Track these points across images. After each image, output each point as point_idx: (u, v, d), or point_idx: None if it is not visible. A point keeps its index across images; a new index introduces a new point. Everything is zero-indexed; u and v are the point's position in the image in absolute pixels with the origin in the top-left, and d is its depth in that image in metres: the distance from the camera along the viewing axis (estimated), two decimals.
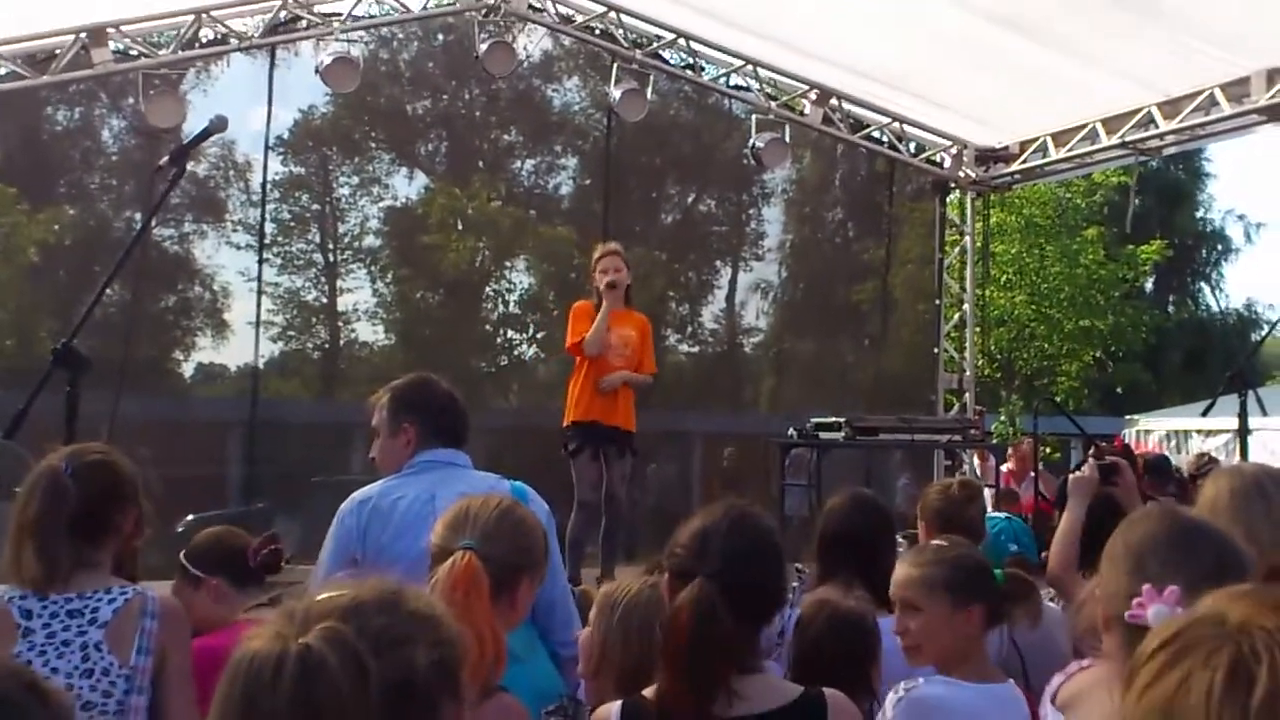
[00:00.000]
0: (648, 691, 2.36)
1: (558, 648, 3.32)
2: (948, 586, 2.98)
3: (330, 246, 28.95)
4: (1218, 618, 1.07)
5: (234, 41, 9.51)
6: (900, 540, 5.19)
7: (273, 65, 11.29)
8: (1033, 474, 9.99)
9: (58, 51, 8.88)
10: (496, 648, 2.24)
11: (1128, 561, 2.10)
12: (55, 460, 2.86)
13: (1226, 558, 2.09)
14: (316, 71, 9.44)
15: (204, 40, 9.47)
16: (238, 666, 1.30)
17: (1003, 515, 6.17)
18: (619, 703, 2.37)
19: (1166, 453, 13.52)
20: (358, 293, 28.88)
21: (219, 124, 4.22)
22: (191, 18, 9.20)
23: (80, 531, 2.83)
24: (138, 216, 21.02)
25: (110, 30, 8.95)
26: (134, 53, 9.20)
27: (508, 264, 28.17)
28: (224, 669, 1.34)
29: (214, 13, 9.26)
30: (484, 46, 9.73)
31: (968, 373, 12.09)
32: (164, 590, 3.08)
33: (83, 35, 8.82)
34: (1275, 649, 1.01)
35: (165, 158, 4.16)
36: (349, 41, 9.69)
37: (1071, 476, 3.94)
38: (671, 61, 10.80)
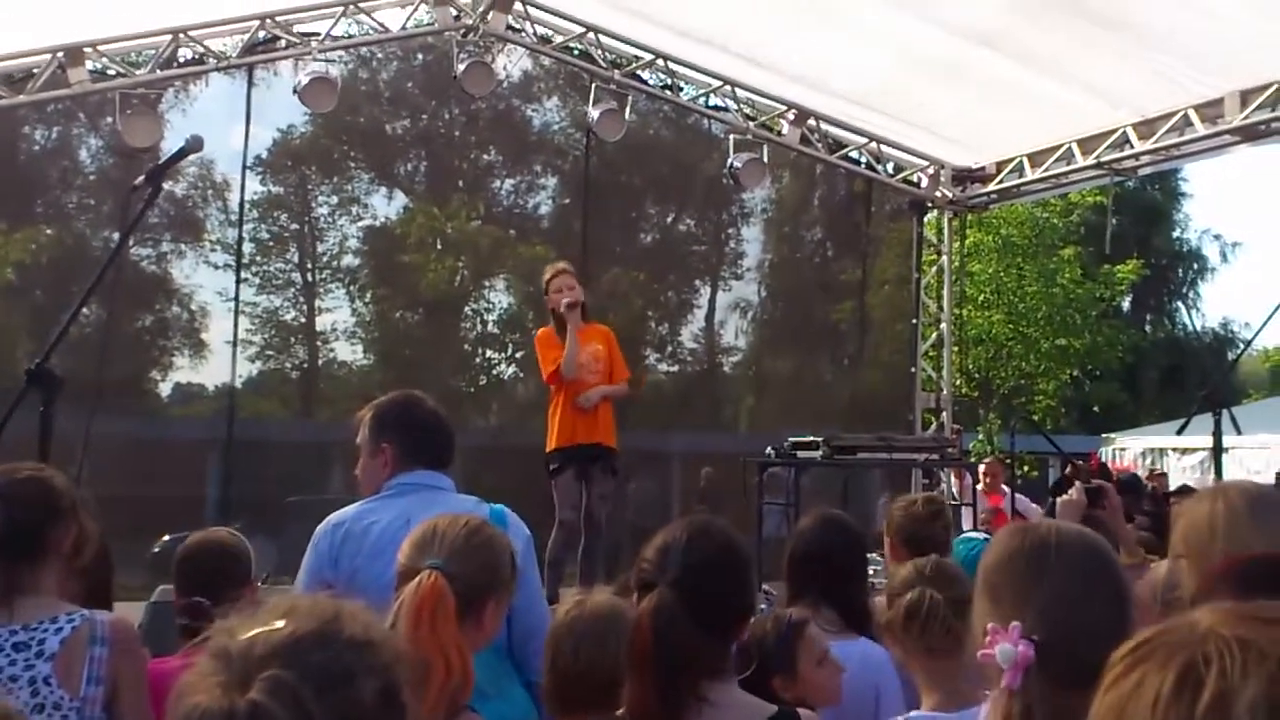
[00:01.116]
0: (620, 712, 2.36)
1: (534, 676, 3.13)
2: None
3: (309, 266, 28.93)
4: (1187, 625, 1.07)
5: (211, 61, 9.49)
6: (878, 559, 5.19)
7: (250, 85, 11.30)
8: (1006, 489, 10.02)
9: (35, 71, 8.85)
10: (464, 668, 2.23)
11: (984, 593, 1.99)
12: None
13: (1088, 575, 1.97)
14: (295, 91, 9.43)
15: (181, 60, 9.46)
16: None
17: (981, 535, 6.16)
18: None
19: (1139, 471, 13.58)
20: (336, 312, 28.91)
21: (195, 144, 4.21)
22: (169, 37, 9.17)
23: (14, 551, 2.73)
24: (116, 236, 20.92)
25: (87, 50, 8.92)
26: (111, 72, 9.18)
27: (487, 283, 28.19)
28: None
29: (191, 33, 9.23)
30: (462, 66, 9.75)
31: (945, 392, 12.12)
32: (114, 614, 2.98)
33: (60, 55, 8.79)
34: (1227, 654, 1.00)
35: (141, 177, 4.13)
36: (327, 61, 9.68)
37: (1060, 500, 3.93)
38: (650, 82, 10.83)
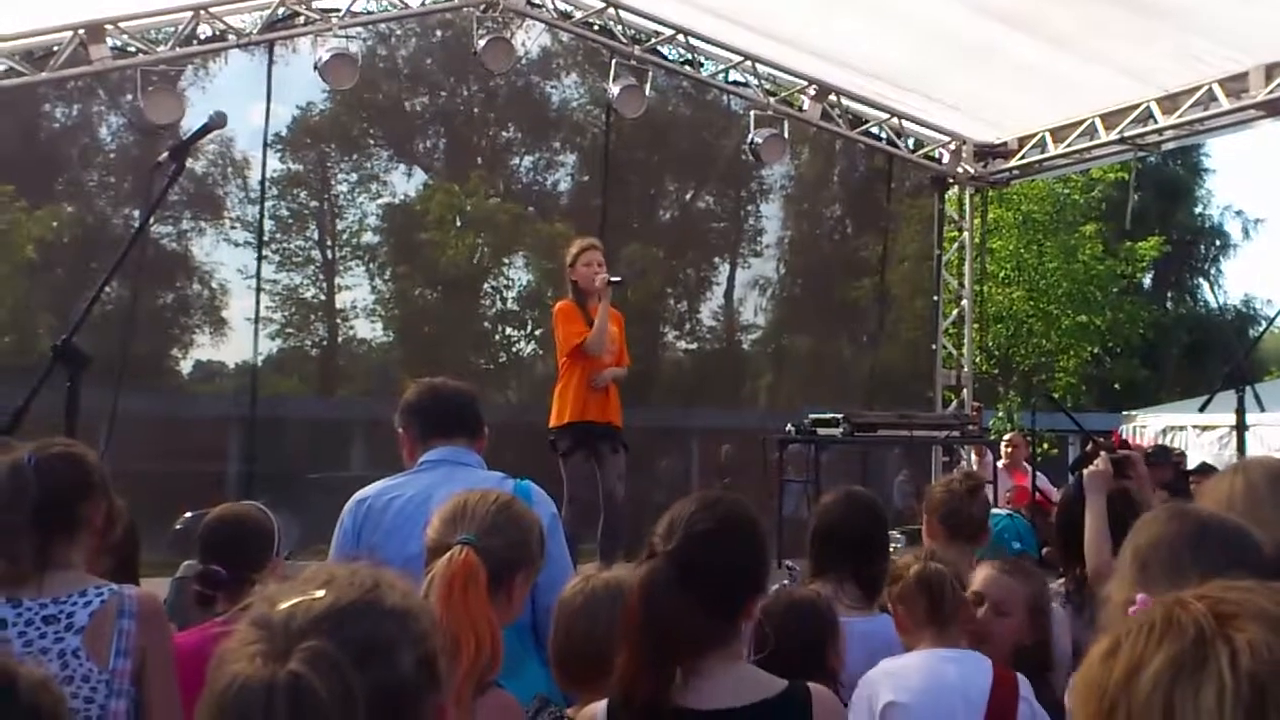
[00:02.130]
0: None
1: None
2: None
3: (328, 243, 28.97)
4: (1174, 602, 1.12)
5: (232, 38, 9.49)
6: (898, 536, 5.19)
7: (271, 62, 11.25)
8: (1027, 465, 9.98)
9: (55, 48, 8.87)
10: (494, 643, 2.23)
11: (1133, 568, 2.05)
12: (16, 454, 2.77)
13: (1238, 554, 2.01)
14: (315, 68, 9.42)
15: (202, 37, 9.46)
16: (224, 695, 1.27)
17: (1005, 513, 6.15)
18: (604, 701, 2.36)
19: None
20: (356, 290, 28.94)
21: (218, 120, 4.21)
22: (189, 14, 9.18)
23: (47, 525, 2.74)
24: (136, 213, 20.98)
25: (108, 27, 8.93)
26: (132, 49, 9.18)
27: (506, 260, 28.17)
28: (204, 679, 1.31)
29: (212, 9, 9.23)
30: (482, 42, 9.73)
31: (966, 369, 12.09)
32: (142, 588, 3.00)
33: (80, 32, 8.80)
34: (1147, 629, 1.09)
35: (164, 154, 4.13)
36: (347, 38, 9.67)
37: (1087, 472, 3.92)
38: (670, 57, 10.78)
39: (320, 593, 1.33)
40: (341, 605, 1.32)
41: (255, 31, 9.51)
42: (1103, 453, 3.93)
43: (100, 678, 2.68)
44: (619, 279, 7.25)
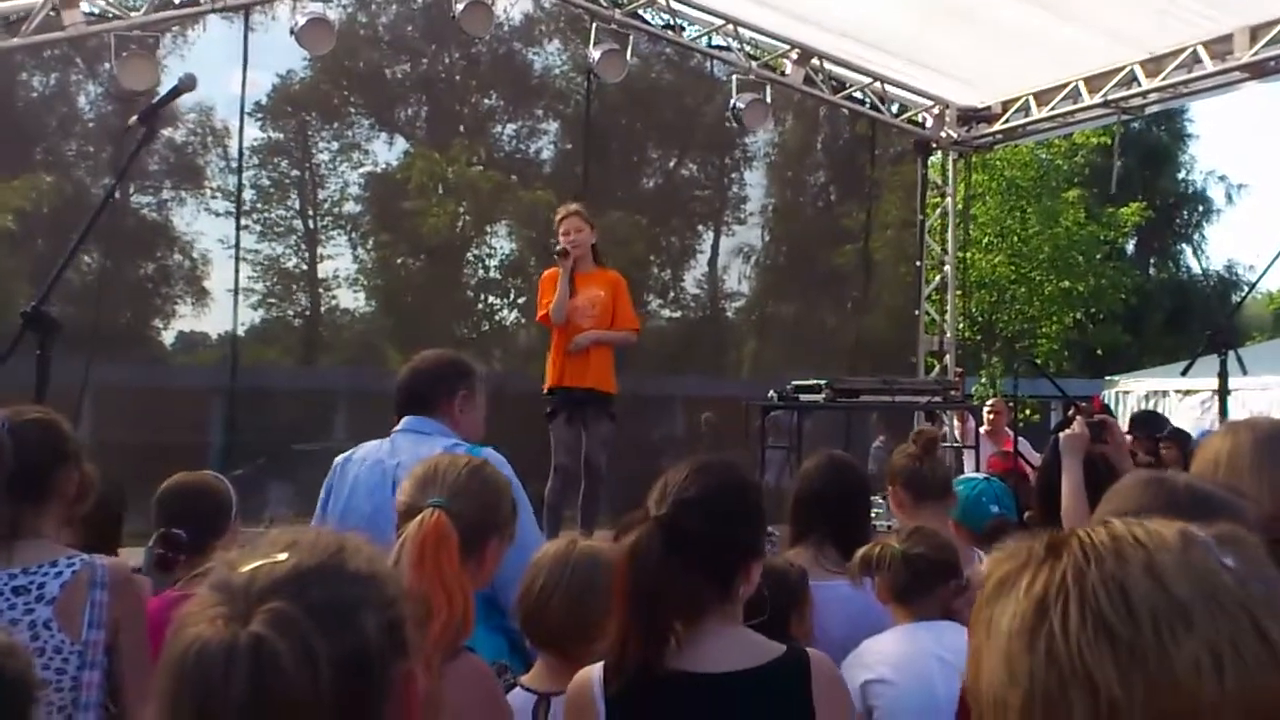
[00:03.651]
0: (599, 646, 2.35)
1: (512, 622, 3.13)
2: None
3: (310, 213, 28.81)
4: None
5: (207, 3, 9.38)
6: (880, 502, 5.16)
7: (247, 28, 11.14)
8: (1009, 431, 9.98)
9: (28, 14, 8.75)
10: (465, 607, 2.21)
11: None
12: None
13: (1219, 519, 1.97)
14: (291, 33, 9.33)
15: (177, 2, 9.35)
16: (183, 658, 1.24)
17: (982, 476, 6.12)
18: (599, 665, 2.35)
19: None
20: (338, 259, 28.79)
21: (188, 82, 4.16)
22: None
23: (19, 493, 2.70)
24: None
25: None
26: (108, 15, 9.08)
27: (489, 229, 28.05)
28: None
29: None
30: (460, 6, 9.63)
31: (948, 335, 12.10)
32: (114, 558, 2.96)
33: None
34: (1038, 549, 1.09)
35: (134, 118, 4.09)
36: (324, 3, 9.58)
37: (1063, 435, 3.90)
38: (651, 22, 10.70)
39: (283, 556, 1.31)
40: (304, 568, 1.29)
41: None
42: (1079, 416, 3.90)
43: (72, 649, 2.65)
44: (561, 247, 7.23)
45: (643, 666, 2.24)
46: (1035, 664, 1.02)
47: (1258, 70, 8.57)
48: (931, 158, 12.31)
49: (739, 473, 2.49)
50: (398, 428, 3.73)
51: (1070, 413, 4.17)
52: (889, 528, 4.73)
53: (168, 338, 28.20)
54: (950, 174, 12.22)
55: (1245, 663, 0.99)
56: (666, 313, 29.74)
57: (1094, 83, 9.82)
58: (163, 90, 4.98)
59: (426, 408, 3.73)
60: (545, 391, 7.24)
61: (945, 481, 4.13)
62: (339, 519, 3.53)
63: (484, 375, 3.92)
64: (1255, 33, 8.36)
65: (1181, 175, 37.97)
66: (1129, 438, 9.04)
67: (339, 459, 3.79)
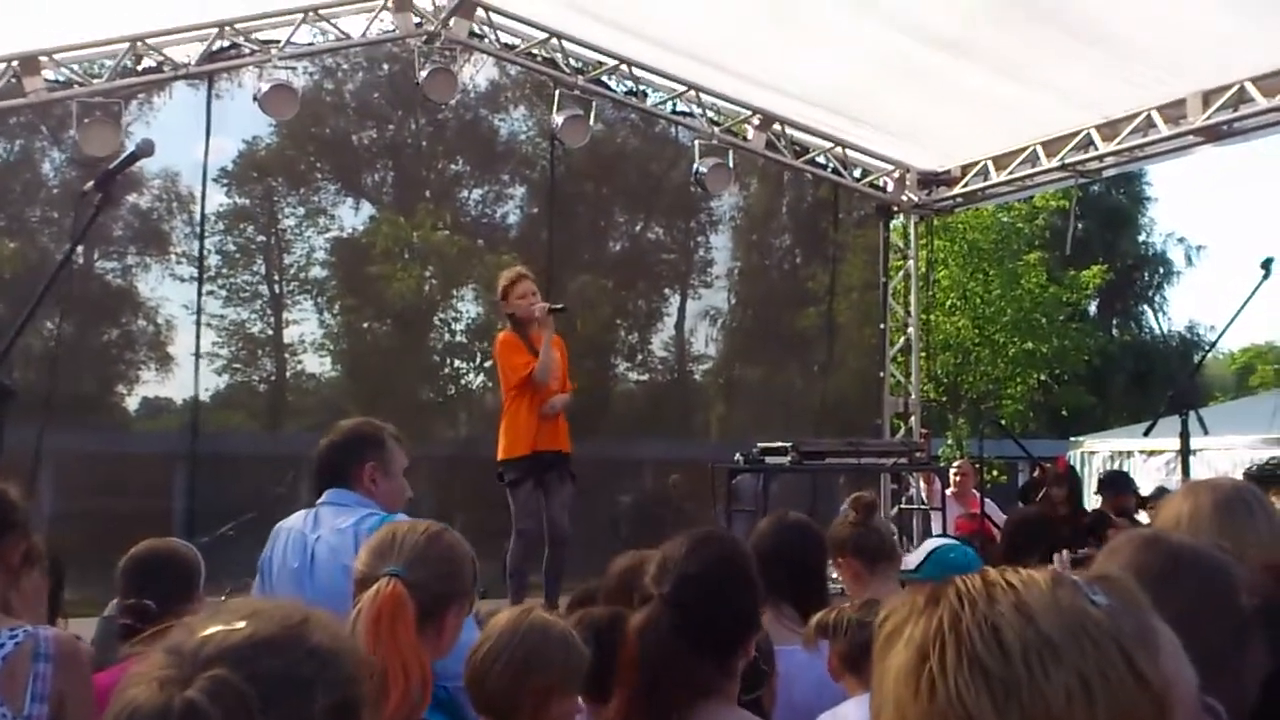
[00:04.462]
0: None
1: (448, 681, 2.97)
2: None
3: (276, 278, 28.74)
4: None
5: (169, 70, 9.39)
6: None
7: (210, 95, 11.13)
8: (975, 492, 9.98)
9: None
10: (423, 678, 2.17)
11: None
12: None
13: (1212, 582, 1.91)
14: (255, 99, 9.34)
15: (141, 69, 9.36)
16: (112, 712, 1.21)
17: (950, 541, 6.09)
18: None
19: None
20: (304, 324, 28.70)
21: (145, 148, 4.14)
22: (127, 45, 9.08)
23: None
24: (80, 250, 20.73)
25: (43, 59, 8.83)
26: (70, 81, 9.07)
27: (455, 293, 28.06)
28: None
29: (150, 40, 9.14)
30: (425, 73, 9.68)
31: (914, 396, 12.13)
32: (59, 630, 2.89)
33: (14, 64, 8.69)
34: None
35: (90, 183, 4.06)
36: (290, 70, 9.60)
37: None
38: (614, 88, 10.78)
39: (241, 624, 1.27)
40: (259, 638, 1.25)
41: (194, 64, 9.41)
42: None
43: None
44: (561, 306, 7.23)
45: None
46: (919, 708, 1.06)
47: (1211, 134, 8.69)
48: (894, 221, 12.41)
49: (735, 545, 2.50)
50: (320, 500, 3.71)
51: (1036, 474, 4.17)
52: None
53: (131, 403, 28.02)
54: (912, 237, 12.31)
55: (1114, 691, 1.04)
56: (634, 375, 29.79)
57: (1051, 146, 9.94)
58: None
59: (341, 479, 3.71)
60: (511, 457, 7.15)
61: (892, 542, 4.10)
62: (273, 589, 3.57)
63: (397, 440, 3.82)
64: (1208, 97, 8.49)
65: (1142, 237, 38.47)
66: (1098, 498, 9.13)
67: (276, 527, 3.80)
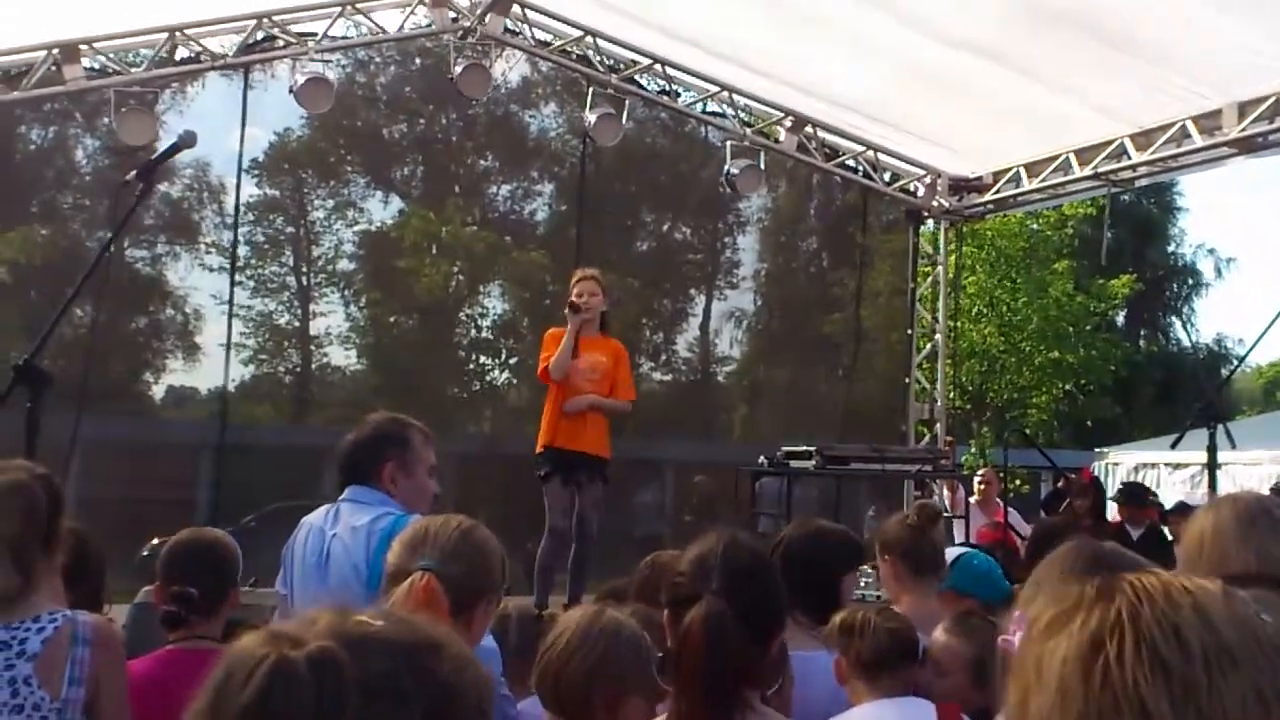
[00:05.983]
0: None
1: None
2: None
3: (304, 270, 28.87)
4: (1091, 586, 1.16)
5: (206, 60, 9.44)
6: (869, 571, 5.11)
7: (246, 86, 11.18)
8: (999, 501, 9.94)
9: (29, 68, 8.80)
10: None
11: (1029, 590, 2.02)
12: (21, 475, 2.70)
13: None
14: (290, 91, 9.38)
15: (178, 59, 9.41)
16: (218, 666, 1.16)
17: (971, 547, 6.07)
18: None
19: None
20: (330, 316, 28.86)
21: (188, 139, 4.17)
22: (165, 36, 9.13)
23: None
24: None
25: (83, 47, 8.88)
26: (108, 70, 9.13)
27: (482, 289, 28.13)
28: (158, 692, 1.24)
29: (188, 31, 9.18)
30: (459, 69, 9.71)
31: (939, 403, 12.09)
32: (97, 615, 2.91)
33: (55, 52, 8.75)
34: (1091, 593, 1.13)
35: (133, 172, 4.09)
36: (324, 63, 9.63)
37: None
38: (647, 87, 10.79)
39: (381, 622, 1.19)
40: (392, 639, 1.18)
41: (231, 55, 9.46)
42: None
43: (51, 707, 2.59)
44: (570, 304, 7.18)
45: None
46: (1090, 691, 1.07)
47: (1245, 146, 8.65)
48: (923, 226, 12.37)
49: (757, 543, 2.53)
50: (341, 496, 3.70)
51: (1060, 485, 4.16)
52: (878, 597, 4.68)
53: (158, 392, 28.23)
54: (941, 243, 12.27)
55: None
56: (658, 376, 29.79)
57: (1084, 155, 9.90)
58: (161, 146, 5.01)
59: (363, 476, 3.70)
60: (538, 451, 7.16)
61: (943, 558, 4.08)
62: (292, 582, 3.60)
63: (425, 438, 3.78)
64: (1243, 109, 8.44)
65: (1171, 248, 38.27)
66: (1117, 507, 9.09)
67: (302, 520, 3.77)
